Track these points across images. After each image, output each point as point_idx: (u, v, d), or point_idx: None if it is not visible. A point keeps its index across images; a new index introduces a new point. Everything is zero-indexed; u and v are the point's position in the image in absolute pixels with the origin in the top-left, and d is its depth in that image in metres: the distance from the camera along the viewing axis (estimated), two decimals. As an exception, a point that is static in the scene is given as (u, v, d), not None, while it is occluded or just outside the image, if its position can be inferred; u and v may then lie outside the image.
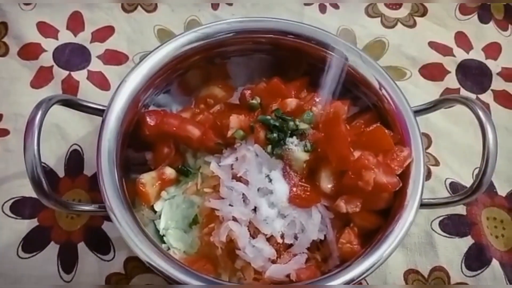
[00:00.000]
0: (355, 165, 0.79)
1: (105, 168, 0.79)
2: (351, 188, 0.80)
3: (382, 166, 0.80)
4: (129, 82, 0.86)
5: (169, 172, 0.91)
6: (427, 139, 1.04)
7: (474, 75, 1.13)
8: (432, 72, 1.13)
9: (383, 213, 0.84)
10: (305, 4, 1.19)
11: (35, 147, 0.73)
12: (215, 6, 1.17)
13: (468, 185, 0.97)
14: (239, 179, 0.85)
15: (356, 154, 0.81)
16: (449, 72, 1.13)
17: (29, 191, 0.94)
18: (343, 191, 0.81)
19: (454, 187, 1.00)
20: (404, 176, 0.82)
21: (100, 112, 0.84)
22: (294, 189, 0.82)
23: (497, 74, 1.14)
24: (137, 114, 0.89)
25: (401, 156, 0.82)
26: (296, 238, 0.83)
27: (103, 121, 0.82)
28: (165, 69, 0.90)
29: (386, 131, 0.84)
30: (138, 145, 0.91)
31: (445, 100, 0.88)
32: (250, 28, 0.94)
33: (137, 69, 0.87)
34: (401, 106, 0.87)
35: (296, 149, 0.84)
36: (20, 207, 0.94)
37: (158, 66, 0.88)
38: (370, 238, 0.80)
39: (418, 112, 0.89)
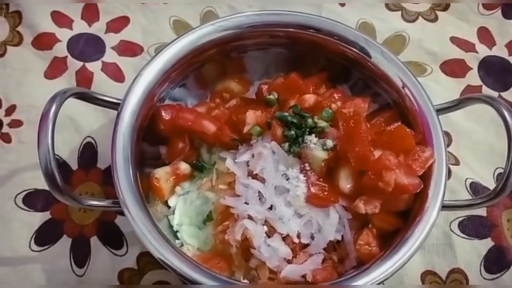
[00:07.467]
0: (376, 165, 0.77)
1: (120, 163, 0.78)
2: (371, 189, 0.78)
3: (403, 167, 0.77)
4: (145, 76, 0.84)
5: (184, 167, 0.89)
6: (447, 138, 1.01)
7: (497, 72, 1.10)
8: (453, 68, 1.10)
9: (403, 214, 0.82)
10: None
11: (49, 141, 0.71)
12: (231, -3, 1.15)
13: (488, 185, 0.97)
14: (255, 177, 0.83)
15: (376, 153, 0.79)
16: (471, 68, 1.10)
17: (41, 184, 0.92)
18: (362, 191, 0.79)
19: (474, 187, 0.97)
20: (425, 177, 0.80)
21: (115, 106, 0.83)
22: (312, 188, 0.80)
23: (521, 71, 1.10)
24: (153, 108, 0.87)
25: (423, 156, 0.80)
26: (312, 238, 0.81)
27: (118, 115, 0.81)
28: (181, 62, 0.88)
29: (407, 130, 0.82)
30: (153, 139, 0.90)
31: (469, 99, 0.85)
32: (269, 21, 0.91)
33: (153, 62, 0.85)
34: (423, 104, 0.85)
35: (315, 147, 0.81)
36: (32, 200, 0.94)
37: (174, 59, 0.86)
38: (389, 240, 0.79)
39: (440, 110, 0.86)
